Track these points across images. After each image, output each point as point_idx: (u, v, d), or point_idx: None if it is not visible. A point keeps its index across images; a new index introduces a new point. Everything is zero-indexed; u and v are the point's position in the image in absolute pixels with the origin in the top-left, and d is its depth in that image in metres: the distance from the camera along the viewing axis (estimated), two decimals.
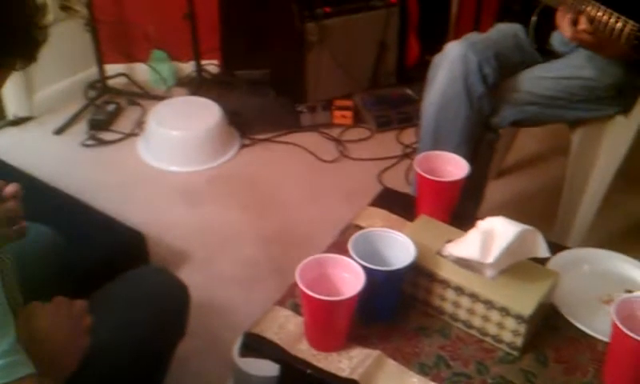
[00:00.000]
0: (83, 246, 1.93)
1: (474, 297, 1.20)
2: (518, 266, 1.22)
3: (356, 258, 1.19)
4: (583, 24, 1.67)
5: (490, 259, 1.18)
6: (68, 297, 1.17)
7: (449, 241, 1.28)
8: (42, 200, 2.18)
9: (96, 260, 1.91)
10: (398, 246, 1.26)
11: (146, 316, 1.28)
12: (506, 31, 2.02)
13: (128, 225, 2.12)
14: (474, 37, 1.92)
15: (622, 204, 2.40)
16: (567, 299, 1.29)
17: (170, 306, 1.37)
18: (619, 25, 1.59)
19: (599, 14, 1.63)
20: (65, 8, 2.97)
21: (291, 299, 1.28)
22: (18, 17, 0.95)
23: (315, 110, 3.00)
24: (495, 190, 2.47)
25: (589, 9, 1.65)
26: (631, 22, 1.56)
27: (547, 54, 1.98)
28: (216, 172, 2.71)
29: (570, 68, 1.89)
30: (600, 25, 1.63)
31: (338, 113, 3.02)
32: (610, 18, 1.61)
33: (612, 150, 1.95)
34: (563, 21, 1.72)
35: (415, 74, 3.09)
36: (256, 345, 1.22)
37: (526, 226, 1.20)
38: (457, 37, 1.96)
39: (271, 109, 3.08)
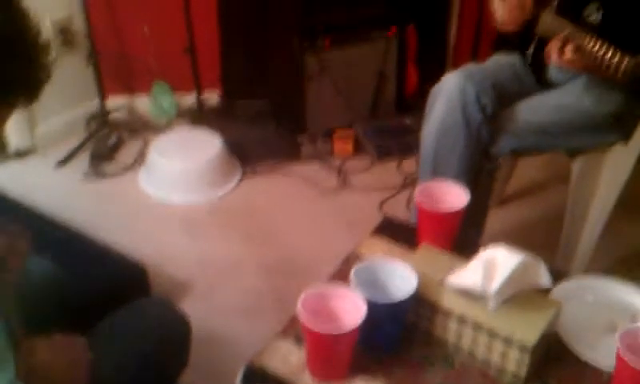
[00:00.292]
0: (84, 278, 1.92)
1: (477, 327, 1.20)
2: (520, 296, 1.22)
3: (358, 291, 1.18)
4: (569, 53, 1.69)
5: (493, 289, 1.17)
6: (68, 331, 1.16)
7: (451, 270, 1.28)
8: (43, 233, 2.16)
9: (97, 293, 1.89)
10: (400, 276, 1.26)
11: (147, 348, 1.27)
12: (503, 62, 2.04)
13: (129, 257, 2.11)
14: (471, 67, 1.94)
15: (623, 231, 2.40)
16: (571, 328, 1.29)
17: (172, 338, 1.36)
18: (616, 60, 1.60)
19: (596, 48, 1.64)
20: (66, 41, 3.00)
21: (293, 331, 1.28)
22: (21, 56, 0.95)
23: (316, 140, 3.01)
24: (497, 218, 2.46)
25: (586, 42, 1.67)
26: (627, 58, 1.56)
27: (545, 84, 1.99)
28: (217, 203, 2.71)
29: (567, 97, 1.90)
30: (597, 59, 1.64)
31: (338, 143, 3.03)
32: (607, 53, 1.62)
33: (612, 178, 1.95)
34: (551, 48, 1.75)
35: (414, 104, 3.10)
36: (258, 377, 1.21)
37: (527, 256, 1.20)
38: (455, 66, 1.98)
39: (272, 139, 3.09)
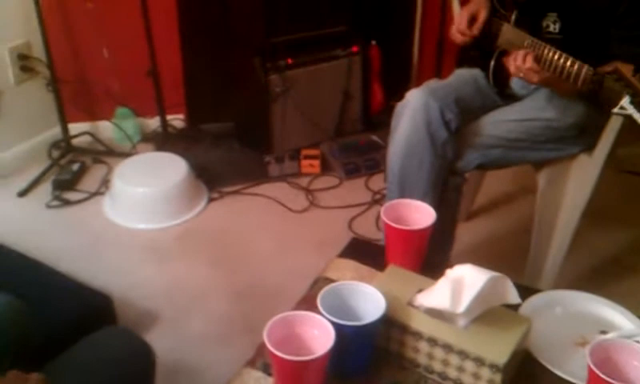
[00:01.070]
0: (48, 311, 1.87)
1: (447, 347, 1.18)
2: (490, 314, 1.20)
3: (325, 314, 1.16)
4: (529, 63, 1.70)
5: (461, 308, 1.16)
6: (29, 367, 1.12)
7: (419, 291, 1.27)
8: (4, 265, 2.13)
9: (61, 326, 1.84)
10: (368, 299, 1.24)
11: (108, 381, 1.23)
12: (465, 76, 2.04)
13: (94, 287, 2.06)
14: (433, 84, 1.94)
15: (591, 241, 2.42)
16: (542, 344, 1.27)
17: (134, 369, 1.32)
18: (575, 68, 1.60)
19: (556, 57, 1.65)
20: (25, 68, 2.96)
21: (261, 360, 1.25)
22: None
23: (283, 160, 3.00)
24: (466, 232, 2.47)
25: (545, 52, 1.68)
26: (587, 66, 1.57)
27: (507, 97, 2.00)
28: (184, 227, 2.67)
29: (530, 110, 1.91)
30: (557, 68, 1.65)
31: (305, 162, 3.01)
32: (566, 62, 1.63)
33: (578, 188, 1.96)
34: (510, 60, 1.76)
35: (380, 120, 3.12)
36: None
37: (494, 273, 1.19)
38: (419, 82, 1.99)
39: (238, 161, 3.07)
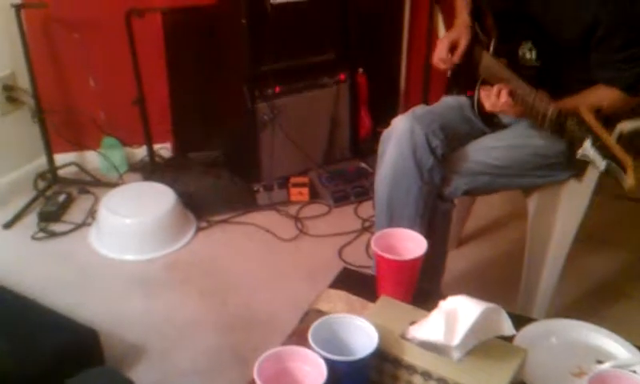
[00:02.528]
0: (32, 348, 1.85)
1: (442, 381, 1.15)
2: (484, 345, 1.18)
3: (317, 349, 1.13)
4: (503, 97, 1.70)
5: (456, 341, 1.14)
6: None
7: (412, 322, 1.24)
8: None
9: (46, 362, 1.82)
10: (361, 332, 1.21)
11: None
12: (451, 103, 2.04)
13: (80, 322, 2.03)
14: (420, 110, 1.93)
15: (584, 267, 2.41)
16: (537, 375, 1.25)
17: None
18: (541, 108, 1.60)
19: (525, 94, 1.65)
20: (10, 99, 2.93)
21: None
22: None
23: (271, 188, 2.98)
24: (456, 259, 2.46)
25: (518, 88, 1.68)
26: (552, 107, 1.56)
27: (494, 125, 2.00)
28: (172, 258, 2.64)
29: (518, 137, 1.91)
30: (527, 105, 1.65)
31: (294, 190, 2.99)
32: (534, 100, 1.62)
33: (569, 214, 1.95)
34: (484, 97, 1.76)
35: (368, 147, 3.12)
36: None
37: (488, 304, 1.17)
38: (407, 109, 1.98)
39: (227, 190, 3.04)
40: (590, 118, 1.41)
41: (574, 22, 1.72)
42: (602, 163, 1.38)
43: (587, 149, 1.41)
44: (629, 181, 1.34)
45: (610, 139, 1.38)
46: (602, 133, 1.38)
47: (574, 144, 1.46)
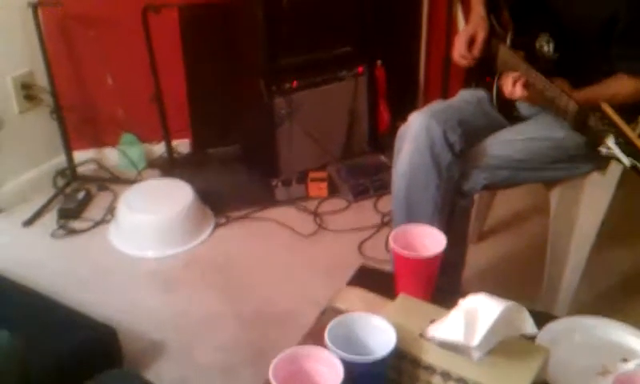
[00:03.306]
0: (51, 347, 1.85)
1: (462, 381, 1.13)
2: (505, 344, 1.16)
3: (333, 349, 1.11)
4: (519, 90, 1.67)
5: (476, 341, 1.11)
6: None
7: (431, 321, 1.22)
8: (6, 299, 2.10)
9: (65, 361, 1.82)
10: (378, 331, 1.19)
11: None
12: (469, 98, 2.01)
13: (99, 320, 2.03)
14: (436, 105, 1.90)
15: (607, 261, 2.36)
16: (561, 374, 1.22)
17: None
18: (562, 104, 1.56)
19: (544, 89, 1.62)
20: (29, 97, 2.94)
21: None
22: None
23: (290, 183, 2.96)
24: (477, 254, 2.42)
25: (536, 83, 1.64)
26: (572, 102, 1.53)
27: (513, 119, 1.96)
28: (191, 255, 2.63)
29: (538, 130, 1.87)
30: (547, 100, 1.62)
31: (313, 185, 2.97)
32: (554, 96, 1.59)
33: (592, 208, 1.91)
34: (503, 84, 1.73)
35: (387, 141, 3.06)
36: None
37: (509, 303, 1.14)
38: (426, 102, 1.96)
39: (245, 185, 3.03)
40: (612, 114, 1.37)
41: (593, 16, 1.69)
42: (626, 160, 1.34)
43: (611, 145, 1.37)
44: None
45: (635, 135, 1.34)
46: (625, 128, 1.35)
47: (596, 140, 1.42)
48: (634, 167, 1.34)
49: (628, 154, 1.34)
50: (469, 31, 1.97)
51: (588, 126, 1.46)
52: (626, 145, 1.35)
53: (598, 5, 1.68)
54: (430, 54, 3.41)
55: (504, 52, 1.86)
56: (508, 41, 1.87)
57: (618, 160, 1.37)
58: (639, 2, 1.64)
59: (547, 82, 1.61)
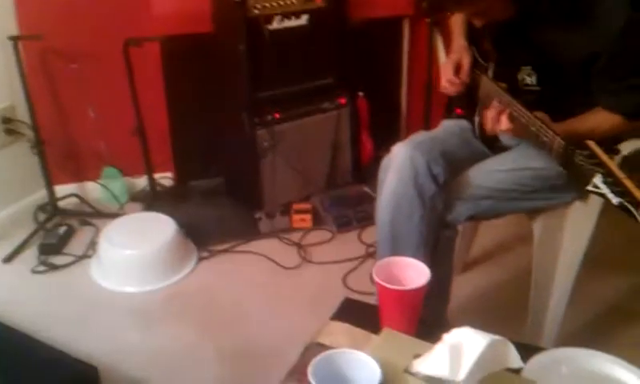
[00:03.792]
0: None
1: None
2: (492, 378, 1.14)
3: None
4: (504, 123, 1.67)
5: (461, 375, 1.09)
6: None
7: (416, 356, 1.20)
8: None
9: None
10: (363, 367, 1.17)
11: None
12: (452, 128, 2.02)
13: (80, 357, 2.00)
14: (420, 137, 1.90)
15: (592, 290, 2.35)
16: None
17: None
18: (547, 139, 1.56)
19: (529, 123, 1.62)
20: (9, 131, 2.92)
21: None
22: None
23: (273, 215, 2.95)
24: (462, 285, 2.41)
25: (520, 117, 1.64)
26: (558, 139, 1.53)
27: (496, 149, 1.96)
28: (174, 289, 2.60)
29: (520, 159, 1.87)
30: (531, 135, 1.62)
31: (296, 217, 2.96)
32: (539, 131, 1.59)
33: (575, 237, 1.91)
34: (485, 118, 1.74)
35: (371, 172, 3.06)
36: None
37: (494, 337, 1.12)
38: (408, 132, 1.96)
39: (228, 218, 3.01)
40: (600, 152, 1.37)
41: (574, 52, 1.70)
42: (615, 200, 1.34)
43: (599, 184, 1.36)
44: None
45: (623, 175, 1.33)
46: (614, 168, 1.34)
47: (583, 178, 1.41)
48: (622, 207, 1.33)
49: (616, 194, 1.34)
50: (454, 58, 1.98)
51: (575, 164, 1.45)
52: (614, 185, 1.34)
53: (579, 41, 1.69)
54: (412, 84, 3.44)
55: (486, 83, 1.87)
56: (490, 72, 1.89)
57: (607, 199, 1.36)
58: (620, 40, 1.65)
59: (530, 117, 1.61)
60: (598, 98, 1.73)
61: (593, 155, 1.38)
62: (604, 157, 1.36)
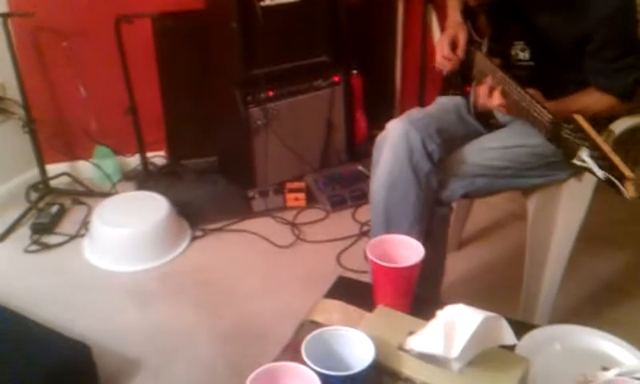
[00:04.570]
0: (24, 365, 1.81)
1: None
2: (485, 355, 1.14)
3: (310, 365, 1.09)
4: (497, 99, 1.66)
5: (455, 353, 1.09)
6: None
7: (410, 333, 1.19)
8: None
9: (38, 379, 1.78)
10: (357, 344, 1.17)
11: None
12: (447, 105, 2.00)
13: (72, 337, 1.99)
14: (415, 113, 1.88)
15: (585, 267, 2.36)
16: None
17: None
18: (536, 114, 1.55)
19: (519, 99, 1.61)
20: (0, 110, 2.89)
21: None
22: None
23: (267, 194, 2.93)
24: (456, 262, 2.41)
25: (511, 93, 1.63)
26: (545, 113, 1.51)
27: (490, 126, 1.95)
28: (167, 268, 2.59)
29: (515, 136, 1.86)
30: (521, 111, 1.61)
31: (290, 195, 2.95)
32: (528, 106, 1.58)
33: (569, 214, 1.91)
34: (478, 94, 1.73)
35: (365, 150, 3.05)
36: None
37: (488, 314, 1.12)
38: (402, 110, 1.95)
39: (222, 197, 3.00)
40: (587, 126, 1.36)
41: (566, 33, 1.70)
42: (600, 173, 1.33)
43: (585, 158, 1.35)
44: (629, 193, 1.29)
45: (609, 149, 1.32)
46: (600, 142, 1.33)
47: (570, 152, 1.40)
48: (608, 181, 1.32)
49: (602, 168, 1.33)
50: (450, 34, 1.96)
51: (562, 138, 1.45)
52: (600, 159, 1.33)
53: (571, 22, 1.69)
54: (406, 62, 3.41)
55: (480, 59, 1.86)
56: (484, 48, 1.87)
57: (592, 173, 1.35)
58: (612, 22, 1.64)
59: (522, 92, 1.59)
60: (591, 77, 1.73)
61: (580, 129, 1.37)
62: (591, 131, 1.35)
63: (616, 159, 1.30)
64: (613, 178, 1.31)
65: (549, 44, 1.74)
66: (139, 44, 2.97)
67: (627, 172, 1.28)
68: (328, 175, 3.08)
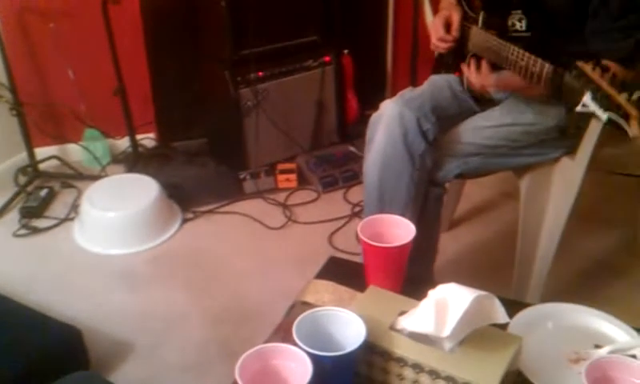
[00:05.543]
0: (14, 349, 1.80)
1: (434, 373, 1.10)
2: (477, 334, 1.13)
3: (301, 345, 1.08)
4: (484, 68, 1.66)
5: (446, 332, 1.08)
6: None
7: (402, 313, 1.19)
8: None
9: (29, 363, 1.76)
10: (348, 325, 1.16)
11: None
12: (440, 83, 1.98)
13: (63, 320, 1.97)
14: (409, 93, 1.87)
15: (578, 246, 2.36)
16: (534, 363, 1.20)
17: None
18: (537, 68, 1.54)
19: (518, 58, 1.60)
20: None
21: None
22: None
23: (258, 175, 2.92)
24: (448, 242, 2.41)
25: (509, 54, 1.62)
26: (547, 65, 1.51)
27: (485, 102, 1.94)
28: (158, 251, 2.58)
29: (509, 115, 1.85)
30: (521, 70, 1.60)
31: (281, 177, 2.94)
32: (528, 62, 1.57)
33: (562, 193, 1.90)
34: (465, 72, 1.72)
35: (356, 131, 3.04)
36: None
37: (480, 292, 1.11)
38: (394, 90, 1.93)
39: (212, 179, 2.98)
40: (589, 70, 1.34)
41: None
42: (603, 114, 1.31)
43: (588, 102, 1.34)
44: (634, 130, 1.28)
45: (612, 89, 1.31)
46: (602, 83, 1.31)
47: (572, 99, 1.39)
48: (611, 121, 1.31)
49: (605, 109, 1.32)
50: (443, 15, 1.94)
51: (565, 85, 1.43)
52: (603, 100, 1.32)
53: None
54: (397, 41, 3.39)
55: (476, 32, 1.84)
56: (480, 21, 1.85)
57: (596, 116, 1.34)
58: None
59: (520, 52, 1.58)
60: (591, 42, 1.69)
61: (582, 74, 1.36)
62: (593, 74, 1.34)
63: (621, 99, 1.29)
64: (617, 118, 1.30)
65: (547, 10, 1.72)
66: (127, 25, 2.93)
67: (633, 110, 1.27)
68: (319, 156, 3.06)
